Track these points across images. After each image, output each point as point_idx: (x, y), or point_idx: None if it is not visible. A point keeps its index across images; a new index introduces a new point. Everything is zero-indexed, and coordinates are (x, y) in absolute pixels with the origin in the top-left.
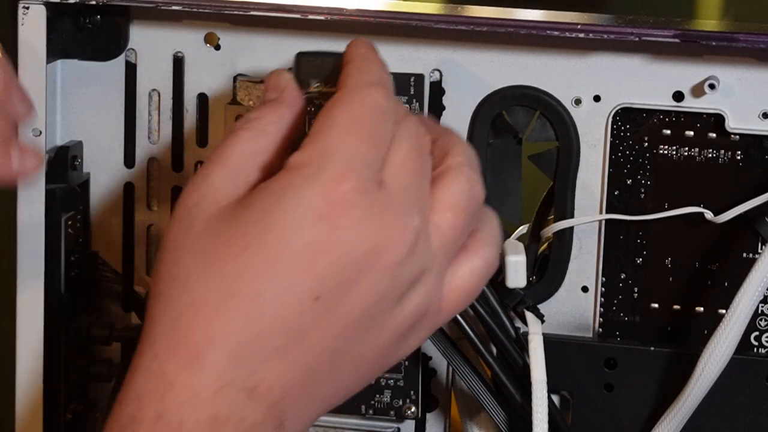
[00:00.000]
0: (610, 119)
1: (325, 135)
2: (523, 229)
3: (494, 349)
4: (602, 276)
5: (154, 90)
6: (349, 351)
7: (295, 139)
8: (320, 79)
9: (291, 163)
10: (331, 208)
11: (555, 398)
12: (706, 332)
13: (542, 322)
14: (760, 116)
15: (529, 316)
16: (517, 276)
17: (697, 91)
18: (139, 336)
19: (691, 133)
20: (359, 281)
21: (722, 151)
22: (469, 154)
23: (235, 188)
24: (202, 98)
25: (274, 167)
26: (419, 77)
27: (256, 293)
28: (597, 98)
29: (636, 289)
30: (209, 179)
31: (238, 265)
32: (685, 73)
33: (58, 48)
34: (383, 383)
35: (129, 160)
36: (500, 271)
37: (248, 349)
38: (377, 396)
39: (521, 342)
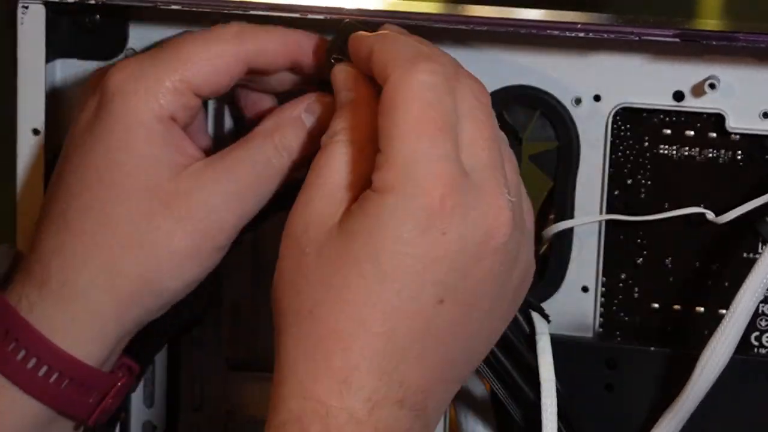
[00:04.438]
0: (611, 119)
1: (396, 148)
2: None
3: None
4: (602, 276)
5: None
6: (480, 331)
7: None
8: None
9: (377, 185)
10: (433, 219)
11: None
12: (706, 332)
13: (548, 322)
14: (761, 116)
15: (535, 316)
16: None
17: (698, 90)
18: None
19: (692, 132)
20: (476, 271)
21: (722, 151)
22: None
23: (334, 209)
24: None
25: (363, 175)
26: None
27: (384, 315)
28: (597, 98)
29: (636, 290)
30: (311, 204)
31: (360, 292)
32: (685, 73)
33: (57, 47)
34: None
35: None
36: None
37: (390, 364)
38: None
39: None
